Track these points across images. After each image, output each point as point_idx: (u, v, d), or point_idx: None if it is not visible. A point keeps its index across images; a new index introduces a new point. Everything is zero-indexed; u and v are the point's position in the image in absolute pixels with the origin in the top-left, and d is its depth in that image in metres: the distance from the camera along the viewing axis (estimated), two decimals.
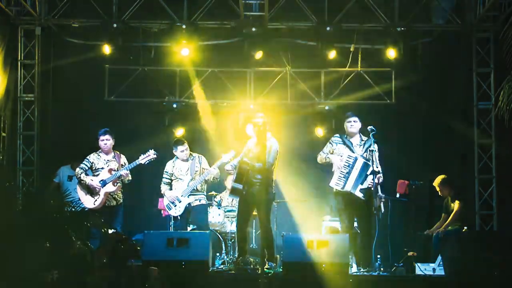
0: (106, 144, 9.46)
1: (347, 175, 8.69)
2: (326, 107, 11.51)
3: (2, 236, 7.43)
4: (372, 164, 8.57)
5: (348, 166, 8.70)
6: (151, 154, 9.39)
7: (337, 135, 9.07)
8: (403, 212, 10.31)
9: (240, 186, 8.70)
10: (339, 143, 8.93)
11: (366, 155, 8.73)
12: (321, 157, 9.03)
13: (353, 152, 8.80)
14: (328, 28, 10.60)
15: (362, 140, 8.94)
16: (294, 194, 10.80)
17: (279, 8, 10.68)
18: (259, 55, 10.80)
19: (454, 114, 11.12)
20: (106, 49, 10.56)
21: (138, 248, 7.79)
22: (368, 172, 8.60)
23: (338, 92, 11.56)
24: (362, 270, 8.68)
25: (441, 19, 10.87)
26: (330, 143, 9.04)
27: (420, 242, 10.20)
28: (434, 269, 8.77)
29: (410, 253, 9.51)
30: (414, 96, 11.29)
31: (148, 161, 9.41)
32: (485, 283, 7.53)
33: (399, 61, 10.92)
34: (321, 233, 10.02)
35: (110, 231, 8.35)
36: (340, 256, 7.82)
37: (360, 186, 8.66)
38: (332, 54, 10.84)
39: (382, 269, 8.50)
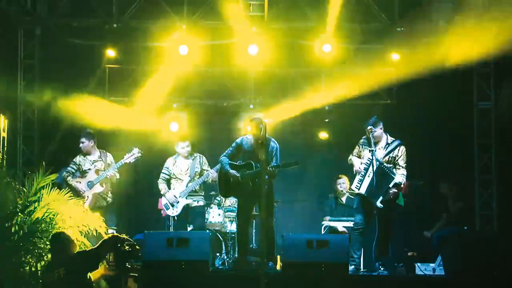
0: (81, 146, 9.60)
1: (362, 178, 8.47)
2: (326, 107, 11.51)
3: (2, 236, 7.46)
4: (394, 167, 8.45)
5: (365, 169, 8.48)
6: (136, 152, 9.45)
7: (365, 137, 8.70)
8: (403, 212, 10.30)
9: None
10: (365, 145, 8.64)
11: (387, 159, 8.51)
12: (349, 158, 8.81)
13: (373, 155, 8.46)
14: (328, 28, 10.62)
15: (387, 143, 8.62)
16: (294, 194, 10.78)
17: (279, 8, 10.68)
18: (254, 50, 10.76)
19: (454, 114, 11.11)
20: (110, 52, 10.60)
21: (138, 248, 7.78)
22: (391, 185, 8.40)
23: (338, 92, 11.55)
24: (362, 270, 8.67)
25: (441, 19, 10.86)
26: (358, 145, 8.75)
27: (420, 242, 10.20)
28: (434, 269, 8.76)
29: (410, 253, 9.51)
30: (414, 96, 11.29)
31: (133, 160, 9.44)
32: (485, 283, 7.53)
33: (399, 61, 10.92)
34: (321, 233, 10.02)
35: (109, 231, 8.36)
36: (340, 256, 7.81)
37: (380, 198, 8.39)
38: (331, 54, 10.83)
39: (382, 269, 8.50)
